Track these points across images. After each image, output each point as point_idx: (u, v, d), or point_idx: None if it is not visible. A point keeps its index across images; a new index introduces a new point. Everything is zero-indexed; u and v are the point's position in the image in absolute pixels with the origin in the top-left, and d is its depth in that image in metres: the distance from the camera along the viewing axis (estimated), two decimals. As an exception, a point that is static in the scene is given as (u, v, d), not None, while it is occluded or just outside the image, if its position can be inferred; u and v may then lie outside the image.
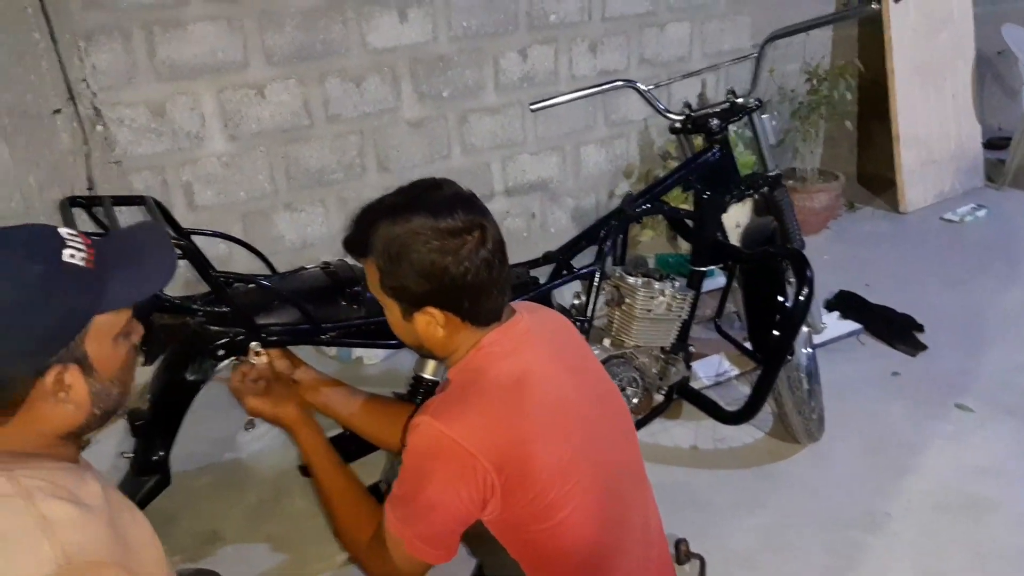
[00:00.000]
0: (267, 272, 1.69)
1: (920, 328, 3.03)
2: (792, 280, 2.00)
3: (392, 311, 1.25)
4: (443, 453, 1.14)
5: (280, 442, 2.64)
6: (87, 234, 1.04)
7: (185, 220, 2.81)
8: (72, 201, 1.48)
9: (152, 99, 2.71)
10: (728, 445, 2.48)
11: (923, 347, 2.92)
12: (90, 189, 2.65)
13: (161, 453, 1.50)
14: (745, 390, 2.74)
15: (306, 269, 1.68)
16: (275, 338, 1.50)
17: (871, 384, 2.75)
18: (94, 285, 0.98)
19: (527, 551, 1.25)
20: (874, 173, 4.47)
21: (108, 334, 1.00)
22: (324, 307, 1.58)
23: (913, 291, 3.29)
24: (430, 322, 1.22)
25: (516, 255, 3.65)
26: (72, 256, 0.97)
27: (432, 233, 1.14)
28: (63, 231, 1.01)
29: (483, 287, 1.19)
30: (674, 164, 3.55)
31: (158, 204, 1.54)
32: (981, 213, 4.04)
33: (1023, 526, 2.07)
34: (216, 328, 1.47)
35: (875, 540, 2.08)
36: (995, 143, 4.65)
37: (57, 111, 2.55)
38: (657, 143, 3.79)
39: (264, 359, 1.43)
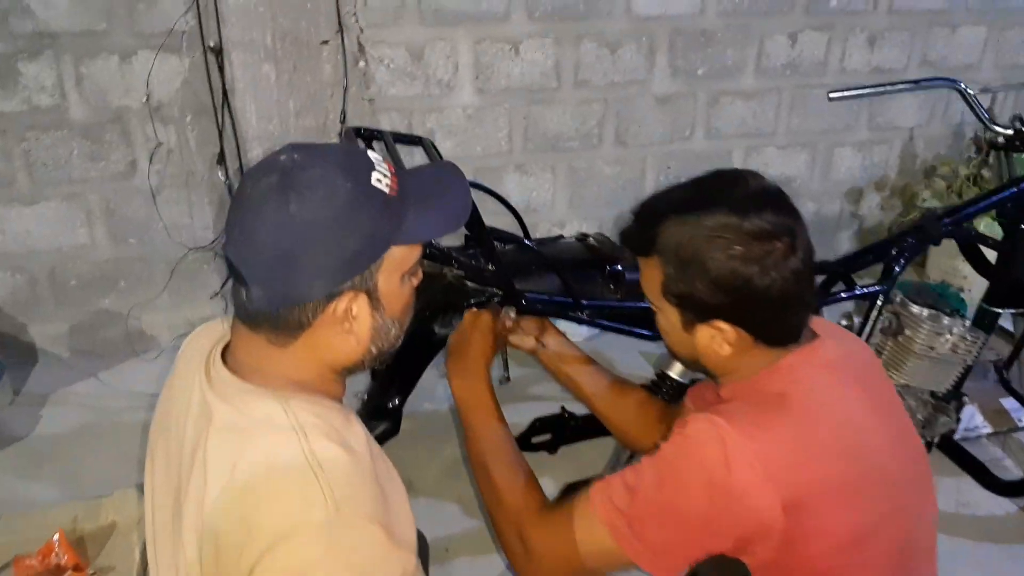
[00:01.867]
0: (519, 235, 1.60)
1: None
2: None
3: (669, 318, 1.09)
4: (728, 466, 0.95)
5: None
6: (390, 162, 0.97)
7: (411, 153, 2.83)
8: (356, 131, 1.44)
9: (413, 41, 2.70)
10: (973, 512, 2.15)
11: None
12: (342, 122, 2.69)
13: (396, 401, 1.45)
14: (995, 452, 2.39)
15: (564, 238, 1.57)
16: (531, 305, 1.40)
17: None
18: (395, 214, 0.91)
19: None
20: None
21: (398, 269, 0.93)
22: (581, 282, 1.47)
23: None
24: (715, 337, 1.05)
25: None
26: (379, 181, 0.90)
27: (735, 236, 0.98)
28: (372, 155, 0.94)
29: (788, 302, 1.02)
30: (941, 185, 3.17)
31: (433, 146, 1.48)
32: None
33: None
34: (474, 285, 1.39)
35: None
36: None
37: (325, 42, 2.59)
38: (922, 157, 3.40)
39: (507, 322, 1.34)
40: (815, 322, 1.13)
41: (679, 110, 3.06)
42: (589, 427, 1.54)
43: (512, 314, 1.36)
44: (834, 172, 3.37)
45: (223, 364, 0.96)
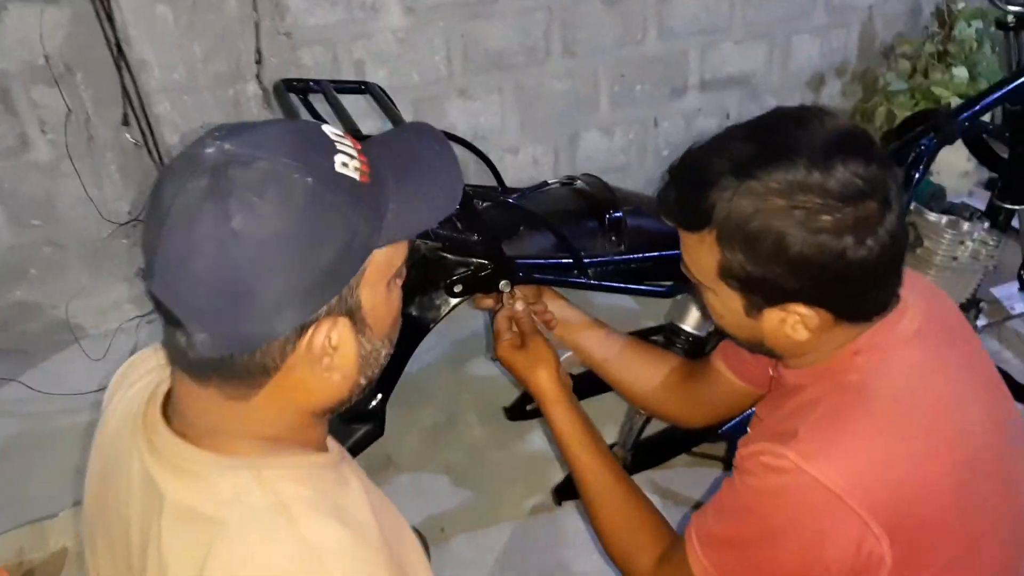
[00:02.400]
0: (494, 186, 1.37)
1: None
2: None
3: (726, 302, 0.89)
4: (818, 512, 0.81)
5: (450, 356, 2.41)
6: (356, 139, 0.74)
7: (351, 104, 2.54)
8: (287, 85, 1.17)
9: (326, -41, 2.36)
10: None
11: None
12: (258, 63, 2.37)
13: (379, 398, 1.24)
14: (992, 345, 2.31)
15: (548, 185, 1.34)
16: (527, 274, 1.18)
17: None
18: (372, 207, 0.68)
19: None
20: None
21: (384, 276, 0.71)
22: (578, 238, 1.26)
23: None
24: (789, 321, 0.86)
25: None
26: (345, 166, 0.67)
27: (819, 202, 0.77)
28: (328, 130, 0.70)
29: (883, 274, 0.83)
30: (905, 66, 3.01)
31: (383, 93, 1.22)
32: None
33: None
34: (454, 257, 1.17)
35: None
36: None
37: (224, -30, 2.25)
38: (880, 37, 3.21)
39: (520, 304, 1.13)
40: None
41: (628, 11, 2.79)
42: (587, 385, 1.35)
43: (508, 288, 1.15)
44: (793, 62, 3.17)
45: (167, 424, 0.74)
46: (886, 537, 0.79)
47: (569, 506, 1.84)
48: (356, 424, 1.25)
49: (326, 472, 0.75)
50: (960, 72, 2.87)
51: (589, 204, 1.30)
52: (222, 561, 0.66)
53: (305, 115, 1.21)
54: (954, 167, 2.76)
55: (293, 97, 1.17)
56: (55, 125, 2.29)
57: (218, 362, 0.67)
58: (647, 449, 1.55)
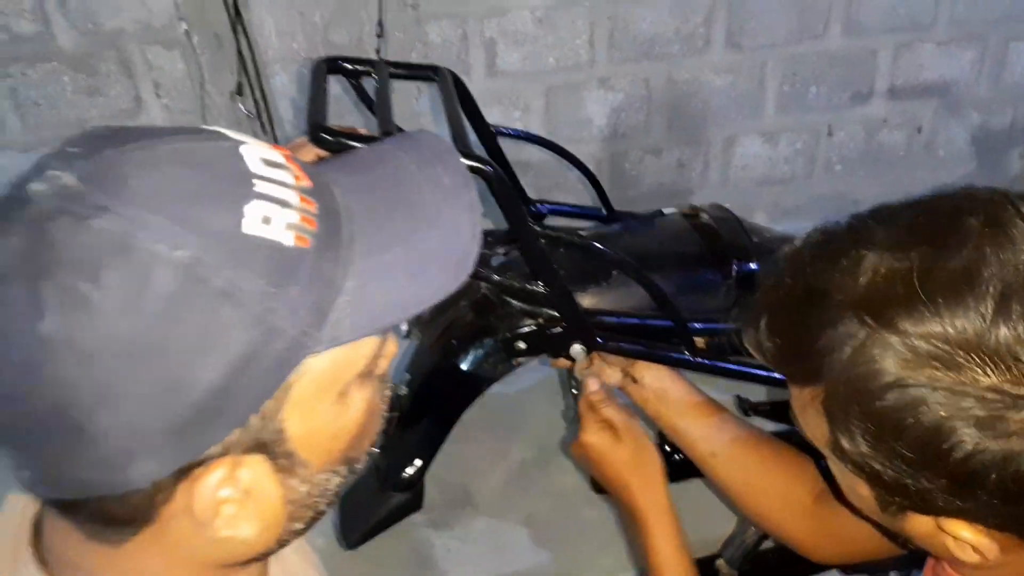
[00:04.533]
0: (593, 209, 1.07)
1: None
2: None
3: (854, 486, 0.59)
4: None
5: (552, 380, 2.13)
6: (301, 162, 0.48)
7: (480, 88, 2.30)
8: (331, 65, 0.93)
9: (464, -74, 2.14)
10: None
11: None
12: (380, 36, 2.18)
13: (417, 465, 0.99)
14: None
15: (663, 215, 1.03)
16: (609, 341, 0.89)
17: None
18: (311, 288, 0.43)
19: None
20: None
21: (329, 388, 0.47)
22: (690, 292, 0.95)
23: None
24: (946, 539, 0.57)
25: (886, 183, 2.81)
26: (267, 221, 0.43)
27: (1002, 386, 0.47)
28: (255, 153, 0.46)
29: None
30: None
31: (456, 81, 0.96)
32: None
33: None
34: (522, 306, 0.89)
35: None
36: None
37: (353, -67, 2.06)
38: None
39: (595, 384, 0.85)
40: None
41: (808, 1, 2.39)
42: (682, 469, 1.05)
43: (582, 352, 0.86)
44: (1008, 74, 2.66)
45: (35, 559, 0.52)
46: None
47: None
48: (391, 493, 1.01)
49: None
50: None
51: (712, 248, 0.98)
52: None
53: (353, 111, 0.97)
54: None
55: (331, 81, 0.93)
56: (169, 89, 2.21)
57: (67, 504, 0.45)
58: (759, 566, 1.21)
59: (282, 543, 0.52)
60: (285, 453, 0.46)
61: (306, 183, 0.46)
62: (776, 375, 0.79)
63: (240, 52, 2.16)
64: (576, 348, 0.87)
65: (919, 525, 0.57)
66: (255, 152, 0.45)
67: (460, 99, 0.92)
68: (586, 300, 0.90)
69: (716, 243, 0.99)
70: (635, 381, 0.96)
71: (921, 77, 2.61)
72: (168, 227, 0.40)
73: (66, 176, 0.41)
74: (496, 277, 0.86)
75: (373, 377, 0.51)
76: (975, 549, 0.54)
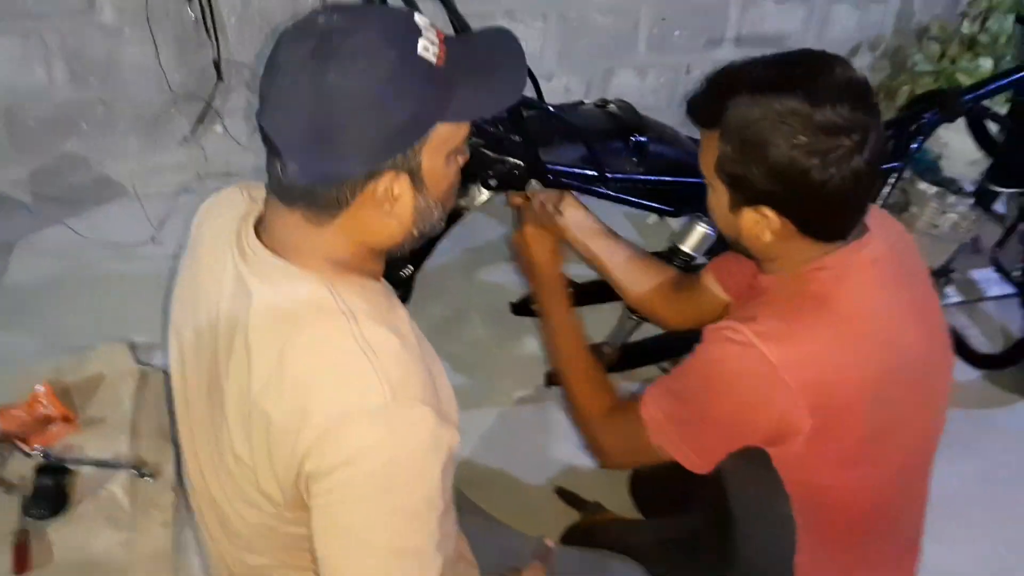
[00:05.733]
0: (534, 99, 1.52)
1: None
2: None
3: (719, 197, 1.07)
4: (755, 377, 1.00)
5: (463, 260, 2.59)
6: (437, 28, 0.89)
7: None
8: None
9: None
10: (939, 377, 2.27)
11: None
12: (321, -44, 2.47)
13: (409, 269, 1.42)
14: (962, 320, 2.49)
15: (583, 104, 1.49)
16: (556, 178, 1.34)
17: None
18: (442, 88, 0.83)
19: (802, 491, 1.11)
20: None
21: (444, 148, 0.87)
22: (604, 153, 1.41)
23: None
24: (759, 222, 1.04)
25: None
26: (426, 49, 0.82)
27: (803, 125, 0.94)
28: (419, 19, 0.85)
29: (842, 201, 0.99)
30: (934, 49, 3.10)
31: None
32: None
33: None
34: (493, 154, 1.32)
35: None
36: None
37: None
38: (918, 17, 3.29)
39: (541, 196, 1.30)
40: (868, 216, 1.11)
41: (676, -45, 2.88)
42: (592, 294, 1.53)
43: (538, 187, 1.31)
44: (829, 30, 3.25)
45: (257, 239, 0.91)
46: (807, 410, 0.99)
47: (551, 401, 2.05)
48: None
49: (381, 296, 0.93)
50: (986, 63, 2.95)
51: (618, 126, 1.45)
52: (298, 345, 0.84)
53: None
54: (964, 155, 2.87)
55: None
56: (122, -10, 2.40)
57: (303, 190, 0.84)
58: (632, 351, 1.74)
59: (404, 242, 0.93)
60: (420, 179, 0.86)
61: (440, 36, 0.87)
62: (652, 204, 1.28)
63: (190, -42, 2.40)
64: (533, 183, 1.31)
65: (747, 218, 1.04)
66: (420, 18, 0.86)
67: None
68: (540, 153, 1.35)
69: (620, 123, 1.46)
70: (560, 214, 1.41)
71: (762, 29, 3.16)
72: (388, 42, 0.80)
73: (335, 16, 0.80)
74: (489, 129, 1.29)
75: (457, 160, 0.93)
76: (770, 229, 1.02)
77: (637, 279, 1.41)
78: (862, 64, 3.35)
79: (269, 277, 0.88)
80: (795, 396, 0.99)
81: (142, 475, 1.72)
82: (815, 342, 1.01)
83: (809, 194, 0.98)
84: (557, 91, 3.01)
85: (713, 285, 1.33)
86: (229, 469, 0.92)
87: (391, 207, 0.86)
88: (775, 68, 0.99)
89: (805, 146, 0.94)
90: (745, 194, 1.02)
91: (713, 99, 1.02)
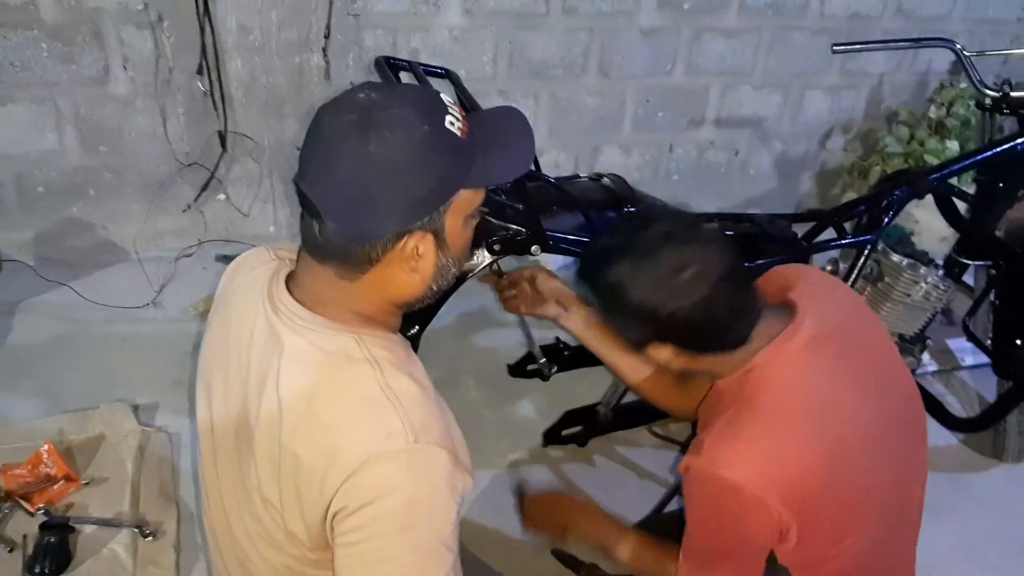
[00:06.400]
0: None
1: None
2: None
3: (621, 341, 1.21)
4: (728, 501, 1.07)
5: (457, 326, 2.66)
6: (459, 104, 0.99)
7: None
8: (386, 61, 1.43)
9: (403, -44, 2.62)
10: (918, 444, 2.34)
11: None
12: (326, 37, 2.62)
13: (416, 330, 1.49)
14: (939, 388, 2.58)
15: (580, 177, 1.60)
16: (556, 244, 1.44)
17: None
18: (465, 158, 0.93)
19: (801, 569, 1.17)
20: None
21: (464, 211, 0.95)
22: (600, 223, 1.51)
23: None
24: (662, 355, 1.15)
25: (709, 192, 3.49)
26: (452, 124, 0.91)
27: (647, 275, 1.07)
28: (445, 97, 0.95)
29: (713, 321, 1.08)
30: (904, 132, 3.29)
31: (460, 80, 1.48)
32: None
33: None
34: (498, 222, 1.42)
35: (1071, 583, 1.95)
36: None
37: (311, -50, 2.50)
38: (887, 103, 3.50)
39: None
40: (803, 289, 1.19)
41: (662, 44, 3.07)
42: (584, 357, 1.60)
43: (539, 252, 1.40)
44: (803, 114, 3.45)
45: (288, 294, 0.98)
46: (788, 511, 1.05)
47: (543, 463, 2.10)
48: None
49: (400, 347, 1.00)
50: (952, 145, 3.15)
51: (612, 197, 1.56)
52: (328, 391, 0.91)
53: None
54: (935, 232, 3.03)
55: (389, 72, 1.43)
56: (136, 64, 2.53)
57: (338, 247, 0.92)
58: (625, 411, 1.81)
59: (424, 296, 1.01)
60: (443, 238, 0.94)
61: (463, 113, 0.97)
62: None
63: (203, 39, 2.53)
64: (535, 247, 1.40)
65: (652, 355, 1.14)
66: (445, 96, 0.96)
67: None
68: (542, 222, 1.45)
69: (614, 194, 1.57)
70: (566, 310, 1.44)
71: (740, 112, 3.35)
72: (421, 117, 0.89)
73: (373, 93, 0.89)
74: (493, 198, 1.39)
75: (472, 222, 1.02)
76: (670, 359, 1.13)
77: (626, 358, 1.43)
78: (835, 145, 3.54)
79: (300, 329, 0.95)
80: (771, 504, 1.04)
81: (144, 534, 1.74)
82: (764, 445, 1.06)
83: (679, 326, 1.08)
84: (548, 165, 3.16)
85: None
86: (256, 511, 0.97)
87: (416, 264, 0.94)
88: (612, 238, 1.13)
89: (652, 292, 1.06)
90: (632, 340, 1.14)
91: (586, 281, 1.16)
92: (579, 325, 1.43)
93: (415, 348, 1.51)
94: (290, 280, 1.01)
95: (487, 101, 2.93)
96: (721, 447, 1.07)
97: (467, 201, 0.95)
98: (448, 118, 0.92)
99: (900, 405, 1.21)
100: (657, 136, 3.28)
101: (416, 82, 1.41)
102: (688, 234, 1.09)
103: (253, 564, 1.01)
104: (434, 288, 1.00)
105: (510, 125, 1.03)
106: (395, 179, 0.88)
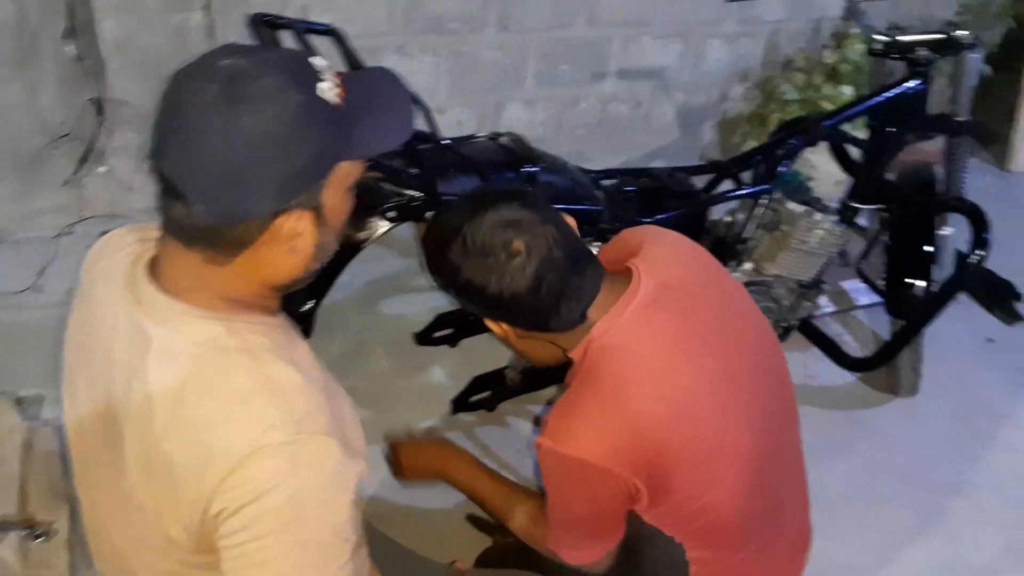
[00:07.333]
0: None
1: (1019, 297, 2.91)
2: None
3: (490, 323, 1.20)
4: (575, 475, 1.10)
5: (362, 294, 2.60)
6: (334, 69, 0.92)
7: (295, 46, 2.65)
8: (260, 18, 1.33)
9: (283, -96, 2.47)
10: (818, 383, 2.42)
11: (1020, 318, 2.81)
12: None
13: (310, 305, 1.43)
14: (836, 329, 2.67)
15: (476, 137, 1.55)
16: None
17: (965, 347, 2.66)
18: (343, 127, 0.87)
19: (675, 527, 1.19)
20: (985, 123, 4.21)
21: (343, 184, 0.90)
22: (498, 184, 1.47)
23: (1009, 256, 3.09)
24: (499, 332, 1.18)
25: (613, 145, 3.48)
26: (327, 92, 0.85)
27: (470, 259, 1.08)
28: (315, 60, 0.89)
29: (541, 302, 1.09)
30: (800, 79, 3.34)
31: (345, 37, 1.39)
32: (1091, 188, 3.83)
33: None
34: (392, 187, 1.36)
35: (961, 507, 2.06)
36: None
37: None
38: (784, 50, 3.54)
39: None
40: (645, 256, 1.19)
41: (562, -5, 3.01)
42: (472, 325, 1.58)
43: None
44: (704, 64, 3.45)
45: (151, 282, 0.91)
46: (633, 476, 1.07)
47: (458, 429, 2.08)
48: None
49: (279, 331, 0.94)
50: (847, 90, 3.21)
51: (510, 158, 1.52)
52: (198, 385, 0.85)
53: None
54: (831, 176, 3.11)
55: (265, 31, 1.33)
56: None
57: (207, 230, 0.85)
58: (534, 372, 1.80)
59: (304, 277, 0.95)
60: (323, 215, 0.89)
61: (339, 78, 0.90)
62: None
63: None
64: (430, 214, 1.35)
65: (497, 328, 1.16)
66: (317, 60, 0.89)
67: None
68: (438, 186, 1.39)
69: (512, 154, 1.52)
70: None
71: (642, 63, 3.32)
72: (294, 85, 0.82)
73: (239, 59, 0.82)
74: (386, 163, 1.33)
75: (353, 194, 0.97)
76: (505, 332, 1.16)
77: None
78: (736, 94, 3.57)
79: (166, 320, 0.88)
80: (616, 472, 1.07)
81: (34, 536, 1.64)
82: (603, 420, 1.08)
83: (508, 307, 1.09)
84: (451, 124, 3.08)
85: None
86: (132, 517, 0.91)
87: (294, 244, 0.88)
88: (452, 215, 1.13)
89: (474, 275, 1.08)
90: (475, 314, 1.16)
91: (428, 260, 1.16)
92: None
93: (310, 324, 1.45)
94: (153, 266, 0.93)
95: (385, 57, 2.83)
96: (562, 424, 1.10)
97: (347, 174, 0.90)
98: (322, 85, 0.85)
99: (754, 355, 1.23)
100: (561, 91, 3.23)
101: (300, 43, 1.32)
102: (523, 215, 1.08)
103: (136, 572, 0.95)
104: (315, 266, 0.94)
105: (386, 89, 0.97)
106: (269, 155, 0.82)
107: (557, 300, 1.09)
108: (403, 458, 1.47)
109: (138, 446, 0.88)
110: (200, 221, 0.84)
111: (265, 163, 0.82)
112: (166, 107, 0.84)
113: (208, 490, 0.82)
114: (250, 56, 0.84)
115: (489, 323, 1.17)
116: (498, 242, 1.06)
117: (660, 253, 1.21)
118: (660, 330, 1.13)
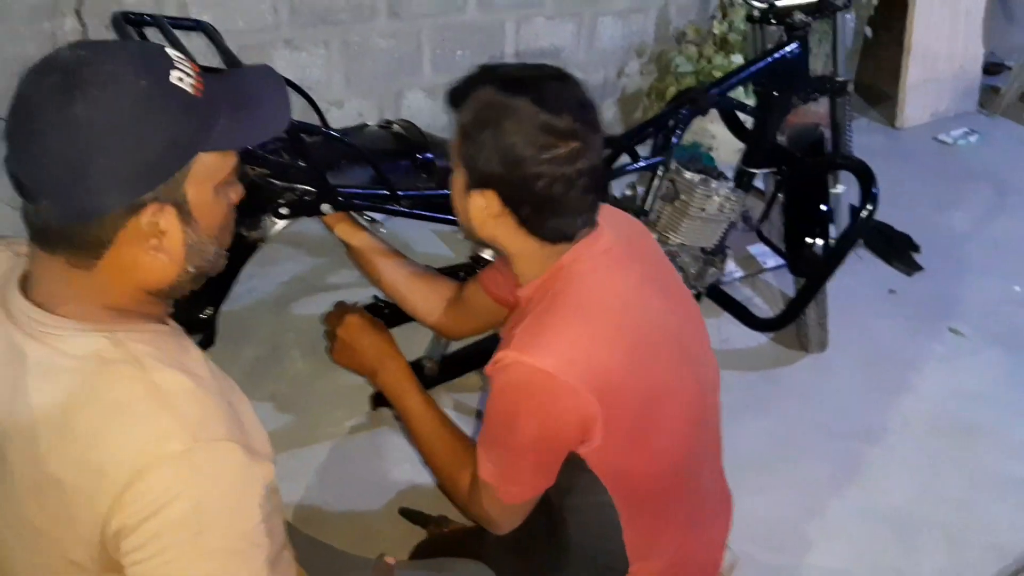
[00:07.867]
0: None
1: (916, 248, 3.06)
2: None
3: (458, 179, 1.14)
4: (539, 390, 1.06)
5: (274, 297, 2.53)
6: (197, 64, 0.88)
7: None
8: (124, 18, 1.26)
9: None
10: (733, 346, 2.49)
11: (919, 268, 2.96)
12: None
13: (209, 311, 1.37)
14: (746, 292, 2.75)
15: (367, 126, 1.51)
16: (347, 201, 1.36)
17: (869, 300, 2.79)
18: (202, 118, 0.83)
19: (614, 479, 1.19)
20: (871, 83, 4.40)
21: (210, 179, 0.86)
22: (393, 172, 1.44)
23: (905, 210, 3.28)
24: (483, 207, 1.11)
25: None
26: (180, 80, 0.82)
27: (529, 120, 1.04)
28: (171, 52, 0.85)
29: (554, 201, 1.08)
30: (692, 51, 3.41)
31: (216, 33, 1.34)
32: (973, 139, 4.05)
33: (1012, 456, 2.17)
34: (281, 183, 1.32)
35: (874, 453, 2.15)
36: (988, 68, 4.61)
37: None
38: (675, 23, 3.61)
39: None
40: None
41: (451, -20, 2.98)
42: (403, 314, 1.56)
43: (330, 210, 1.32)
44: (598, 41, 3.48)
45: (23, 296, 0.86)
46: (595, 399, 1.06)
47: (384, 425, 2.05)
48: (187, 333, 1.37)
49: (168, 339, 0.90)
50: (738, 59, 3.30)
51: (404, 145, 1.49)
52: (82, 402, 0.80)
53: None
54: (731, 144, 3.18)
55: (131, 30, 1.26)
56: None
57: (61, 231, 0.81)
58: (452, 361, 1.79)
59: (181, 280, 0.90)
60: (187, 211, 0.84)
61: (196, 69, 0.86)
62: (445, 217, 1.32)
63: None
64: (326, 207, 1.31)
65: (475, 202, 1.10)
66: (173, 51, 0.85)
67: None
68: (329, 178, 1.35)
69: (405, 142, 1.50)
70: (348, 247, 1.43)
71: (537, 44, 3.33)
72: (137, 71, 0.78)
73: (80, 50, 0.78)
74: (272, 159, 1.28)
75: (229, 195, 0.93)
76: (491, 214, 1.10)
77: (423, 294, 1.46)
78: (632, 70, 3.63)
79: (43, 336, 0.83)
80: (580, 390, 1.05)
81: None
82: (572, 335, 1.08)
83: (524, 185, 1.06)
84: (351, 117, 3.02)
85: (482, 291, 1.40)
86: (32, 544, 0.85)
87: (159, 242, 0.84)
88: (522, 71, 1.10)
89: (525, 137, 1.03)
90: (473, 175, 1.10)
91: (468, 83, 1.11)
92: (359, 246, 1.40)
93: (212, 331, 1.40)
94: (26, 280, 0.88)
95: (273, 53, 2.76)
96: (531, 338, 1.08)
97: (213, 167, 0.86)
98: (175, 73, 0.82)
99: (688, 313, 1.28)
100: (458, 76, 3.20)
101: (167, 41, 1.26)
102: (592, 112, 1.08)
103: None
104: (191, 270, 0.90)
105: (260, 83, 0.94)
106: (110, 144, 0.78)
107: (577, 205, 1.09)
108: (341, 336, 1.40)
109: (26, 472, 0.83)
110: (52, 221, 0.80)
111: (107, 153, 0.78)
112: (11, 107, 0.79)
113: (104, 508, 0.78)
114: (93, 46, 0.81)
115: (473, 194, 1.10)
116: (564, 126, 1.03)
117: (611, 212, 1.23)
118: (623, 272, 1.16)
